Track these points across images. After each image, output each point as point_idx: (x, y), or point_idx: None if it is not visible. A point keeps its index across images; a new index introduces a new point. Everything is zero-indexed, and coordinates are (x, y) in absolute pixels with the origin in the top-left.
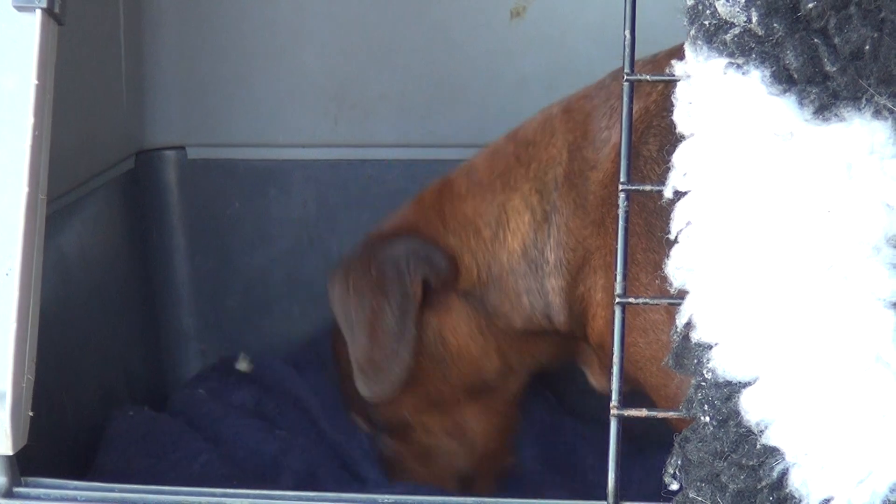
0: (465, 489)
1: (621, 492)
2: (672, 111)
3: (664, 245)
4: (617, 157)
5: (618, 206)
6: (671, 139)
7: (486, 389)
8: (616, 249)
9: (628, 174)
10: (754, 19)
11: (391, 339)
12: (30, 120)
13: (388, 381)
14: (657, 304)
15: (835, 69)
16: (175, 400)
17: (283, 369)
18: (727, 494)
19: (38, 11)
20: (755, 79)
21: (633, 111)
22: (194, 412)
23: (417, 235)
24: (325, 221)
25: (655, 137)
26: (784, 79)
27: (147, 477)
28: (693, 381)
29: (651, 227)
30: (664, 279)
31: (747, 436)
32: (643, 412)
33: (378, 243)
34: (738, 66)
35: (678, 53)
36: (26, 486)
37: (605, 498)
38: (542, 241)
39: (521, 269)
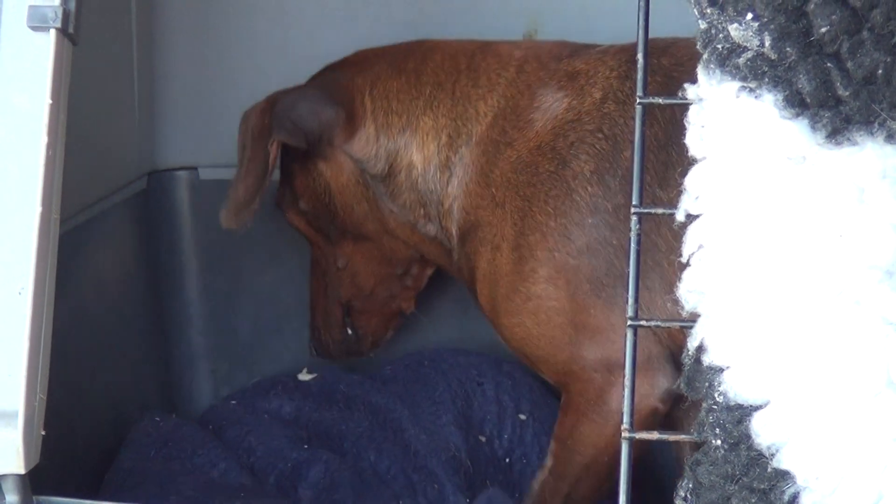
0: (359, 325)
1: None
2: (616, 121)
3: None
4: (536, 148)
5: (524, 198)
6: (605, 164)
7: (367, 239)
8: (627, 273)
9: (640, 197)
10: (767, 43)
11: (252, 182)
12: (43, 139)
13: (234, 218)
14: (668, 326)
15: (847, 93)
16: (208, 410)
17: (344, 378)
18: None
19: (53, 31)
20: (768, 103)
21: (560, 107)
22: (223, 421)
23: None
24: None
25: (590, 157)
26: (797, 103)
27: (162, 480)
28: (704, 405)
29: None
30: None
31: (759, 459)
32: (654, 435)
33: (283, 95)
34: (751, 90)
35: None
36: None
37: None
38: (442, 182)
39: (419, 187)
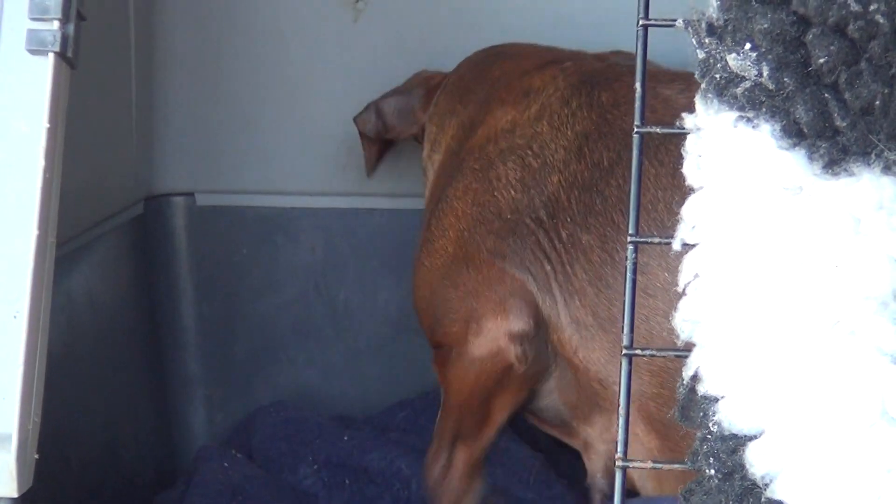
0: None
1: None
2: (547, 144)
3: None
4: (468, 150)
5: (443, 188)
6: (531, 178)
7: None
8: (624, 305)
9: (636, 227)
10: (765, 73)
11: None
12: (40, 163)
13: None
14: (664, 355)
15: (845, 124)
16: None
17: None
18: None
19: (51, 55)
20: (765, 133)
21: (503, 119)
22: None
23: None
24: (333, 270)
25: (517, 166)
26: (794, 133)
27: None
28: (698, 434)
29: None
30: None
31: (752, 489)
32: (648, 464)
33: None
34: (749, 120)
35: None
36: None
37: None
38: (431, 160)
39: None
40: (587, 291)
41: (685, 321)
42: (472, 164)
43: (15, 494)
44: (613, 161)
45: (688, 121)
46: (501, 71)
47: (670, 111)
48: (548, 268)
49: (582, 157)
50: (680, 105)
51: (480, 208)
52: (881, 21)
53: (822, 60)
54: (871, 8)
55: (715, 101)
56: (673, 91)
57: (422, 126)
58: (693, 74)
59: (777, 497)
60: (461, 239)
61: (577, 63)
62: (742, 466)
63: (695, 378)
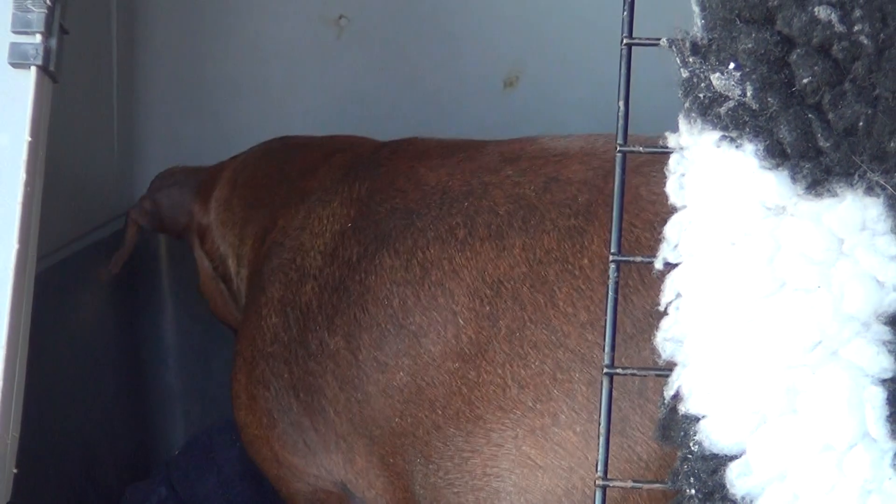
0: None
1: None
2: (308, 253)
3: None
4: (255, 243)
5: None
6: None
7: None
8: (605, 323)
9: (619, 245)
10: (749, 93)
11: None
12: (22, 176)
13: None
14: (645, 375)
15: (828, 145)
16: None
17: None
18: None
19: (33, 69)
20: (748, 152)
21: (275, 229)
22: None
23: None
24: None
25: (281, 284)
26: (777, 153)
27: None
28: (679, 454)
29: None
30: None
31: None
32: (628, 483)
33: (160, 184)
34: (732, 140)
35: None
36: None
37: None
38: (240, 277)
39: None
40: (339, 398)
41: (667, 340)
42: (252, 287)
43: None
44: (361, 255)
45: (671, 140)
46: (291, 167)
47: (420, 191)
48: (294, 403)
49: (335, 258)
50: (430, 182)
51: (252, 344)
52: (865, 42)
53: (805, 81)
54: (855, 29)
55: (698, 120)
56: (426, 169)
57: (198, 223)
58: (458, 158)
59: None
60: (249, 384)
61: (345, 154)
62: (722, 486)
63: (676, 397)
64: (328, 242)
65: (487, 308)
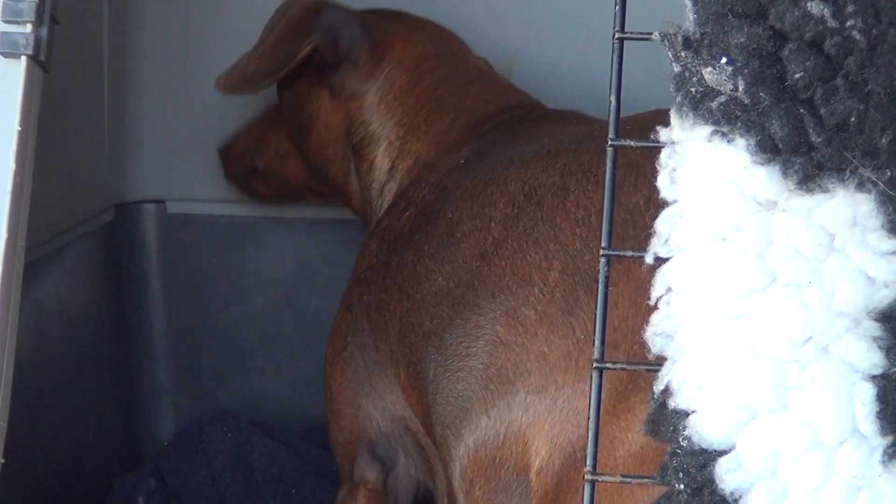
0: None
1: None
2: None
3: None
4: (412, 168)
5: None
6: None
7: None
8: (595, 315)
9: (609, 239)
10: (741, 88)
11: (266, 65)
12: (11, 166)
13: (230, 86)
14: (635, 369)
15: (820, 140)
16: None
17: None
18: None
19: (24, 58)
20: (740, 147)
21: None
22: None
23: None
24: (303, 280)
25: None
26: (769, 148)
27: None
28: (668, 449)
29: None
30: None
31: None
32: (617, 477)
33: (333, 7)
34: (724, 135)
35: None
36: None
37: None
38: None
39: (377, 170)
40: (397, 311)
41: (657, 335)
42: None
43: None
44: (455, 185)
45: (662, 134)
46: (473, 100)
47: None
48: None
49: (437, 187)
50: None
51: (354, 269)
52: (857, 37)
53: (797, 76)
54: (848, 24)
55: (690, 114)
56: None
57: (355, 77)
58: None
59: None
60: None
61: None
62: (712, 482)
63: (665, 392)
64: (441, 175)
65: (515, 211)
